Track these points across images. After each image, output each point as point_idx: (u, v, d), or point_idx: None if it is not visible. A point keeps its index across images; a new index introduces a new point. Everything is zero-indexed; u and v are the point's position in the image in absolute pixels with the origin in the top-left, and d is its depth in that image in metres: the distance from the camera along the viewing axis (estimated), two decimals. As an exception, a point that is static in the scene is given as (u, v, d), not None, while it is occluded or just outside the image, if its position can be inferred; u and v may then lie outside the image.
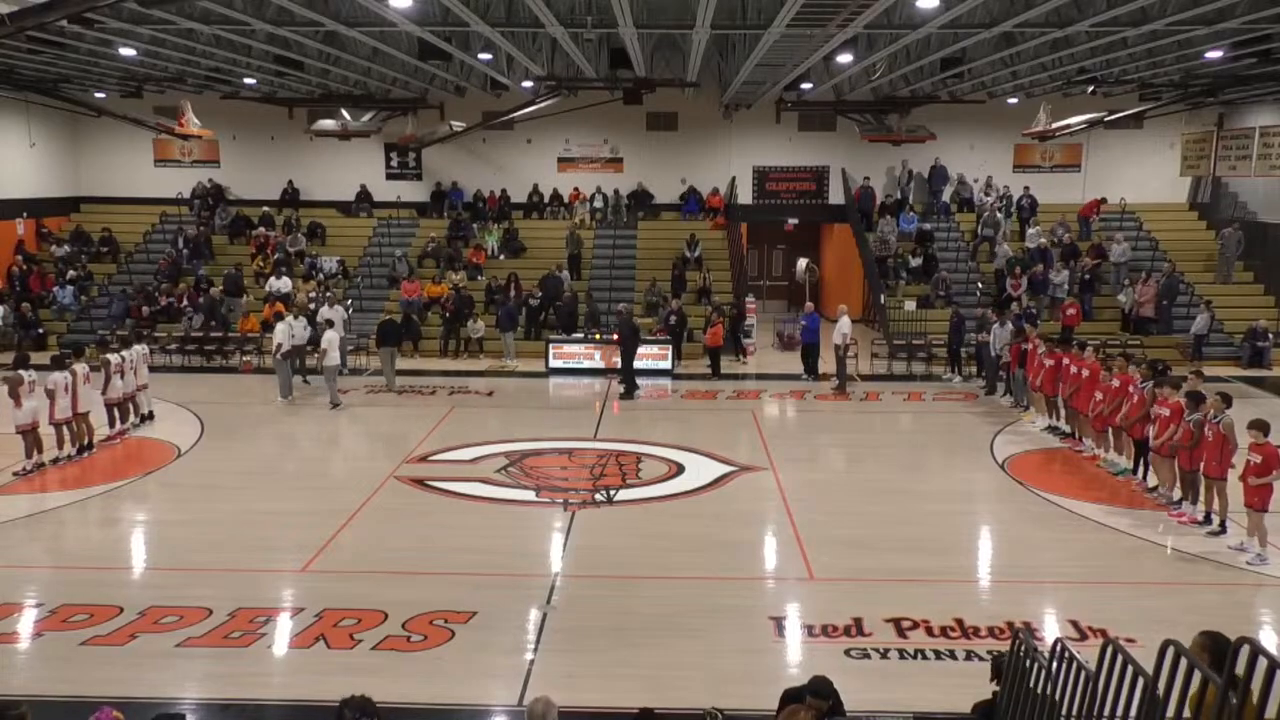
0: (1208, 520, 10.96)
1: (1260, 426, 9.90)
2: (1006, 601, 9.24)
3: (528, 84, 20.31)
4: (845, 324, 18.45)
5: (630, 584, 9.59)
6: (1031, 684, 5.29)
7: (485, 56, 17.46)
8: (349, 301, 21.89)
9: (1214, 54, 15.79)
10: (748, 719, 6.64)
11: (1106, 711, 4.58)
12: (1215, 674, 3.81)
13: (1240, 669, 3.59)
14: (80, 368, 13.74)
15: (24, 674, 7.77)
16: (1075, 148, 25.98)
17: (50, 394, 13.18)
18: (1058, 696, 5.13)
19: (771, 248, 29.15)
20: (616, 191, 26.21)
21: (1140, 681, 4.43)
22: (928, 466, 14.03)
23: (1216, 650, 4.84)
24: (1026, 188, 25.30)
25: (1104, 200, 25.11)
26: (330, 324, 18.27)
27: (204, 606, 8.69)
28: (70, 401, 13.43)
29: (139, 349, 15.46)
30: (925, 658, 7.90)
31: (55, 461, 13.35)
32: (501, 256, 24.78)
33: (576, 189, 26.20)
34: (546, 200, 26.26)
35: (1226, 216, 24.20)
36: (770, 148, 26.22)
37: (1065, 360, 14.44)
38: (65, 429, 13.52)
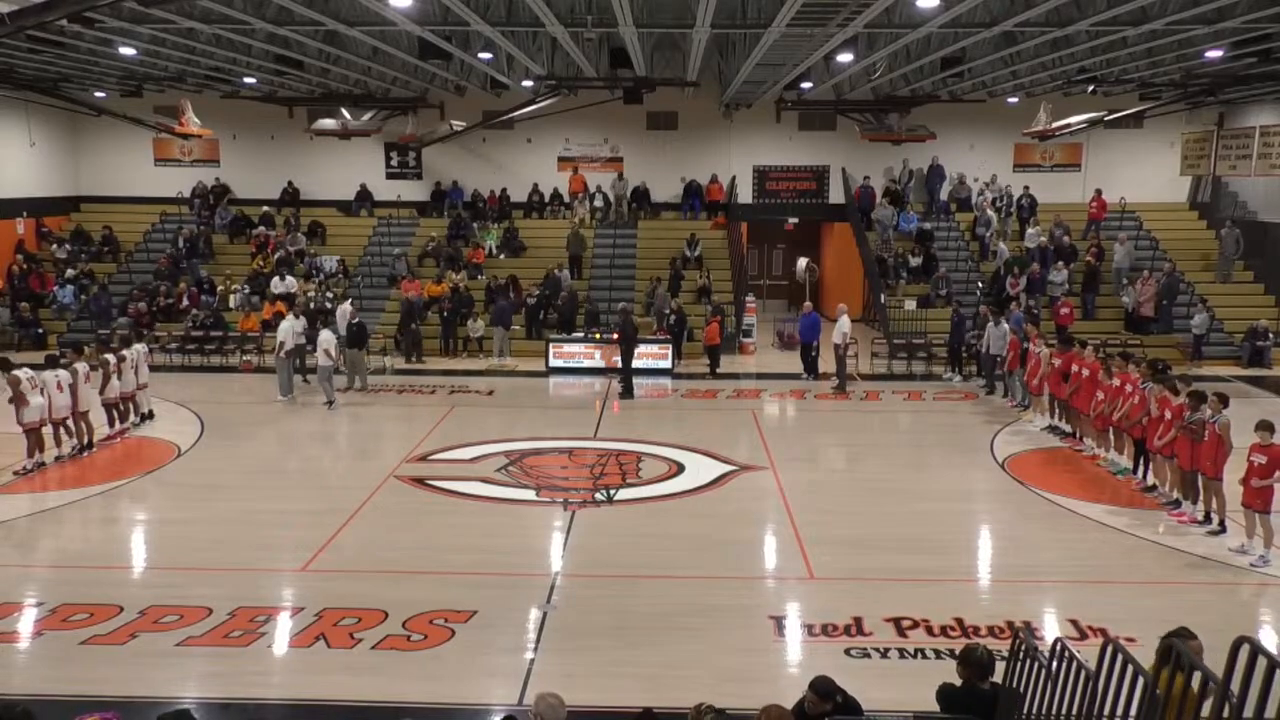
0: (1207, 519, 10.97)
1: (1268, 427, 9.88)
2: (1006, 601, 9.25)
3: (528, 83, 20.28)
4: (845, 323, 18.44)
5: (630, 584, 9.59)
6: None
7: (485, 56, 17.44)
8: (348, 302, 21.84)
9: (1214, 54, 15.80)
10: (746, 719, 6.64)
11: (1106, 711, 4.58)
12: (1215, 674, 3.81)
13: (1239, 669, 3.60)
14: (81, 366, 13.75)
15: (24, 673, 7.77)
16: (1075, 147, 25.96)
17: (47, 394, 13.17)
18: (1058, 696, 5.14)
19: (771, 247, 29.14)
20: (620, 176, 26.06)
21: (1140, 681, 4.44)
22: (928, 466, 14.02)
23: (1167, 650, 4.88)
24: (1026, 187, 25.27)
25: (1099, 192, 24.74)
26: (327, 324, 18.25)
27: (204, 606, 8.70)
28: (69, 400, 13.43)
29: (139, 348, 15.47)
30: (925, 657, 7.90)
31: (57, 459, 13.36)
32: (501, 256, 24.77)
33: (574, 172, 26.00)
34: (547, 200, 26.26)
35: (1226, 216, 24.19)
36: (770, 147, 26.20)
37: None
38: (63, 428, 13.52)
